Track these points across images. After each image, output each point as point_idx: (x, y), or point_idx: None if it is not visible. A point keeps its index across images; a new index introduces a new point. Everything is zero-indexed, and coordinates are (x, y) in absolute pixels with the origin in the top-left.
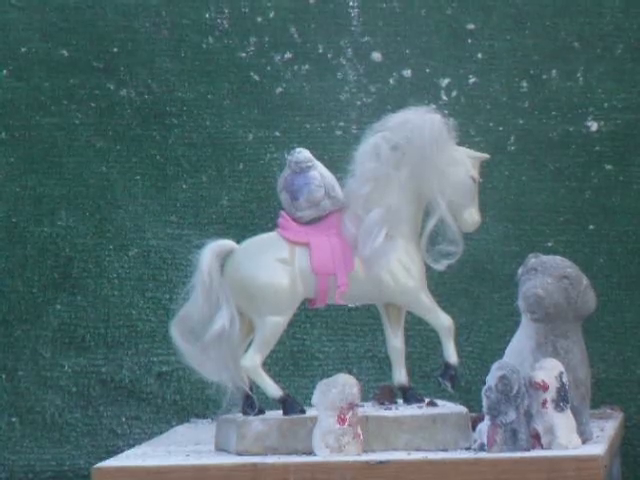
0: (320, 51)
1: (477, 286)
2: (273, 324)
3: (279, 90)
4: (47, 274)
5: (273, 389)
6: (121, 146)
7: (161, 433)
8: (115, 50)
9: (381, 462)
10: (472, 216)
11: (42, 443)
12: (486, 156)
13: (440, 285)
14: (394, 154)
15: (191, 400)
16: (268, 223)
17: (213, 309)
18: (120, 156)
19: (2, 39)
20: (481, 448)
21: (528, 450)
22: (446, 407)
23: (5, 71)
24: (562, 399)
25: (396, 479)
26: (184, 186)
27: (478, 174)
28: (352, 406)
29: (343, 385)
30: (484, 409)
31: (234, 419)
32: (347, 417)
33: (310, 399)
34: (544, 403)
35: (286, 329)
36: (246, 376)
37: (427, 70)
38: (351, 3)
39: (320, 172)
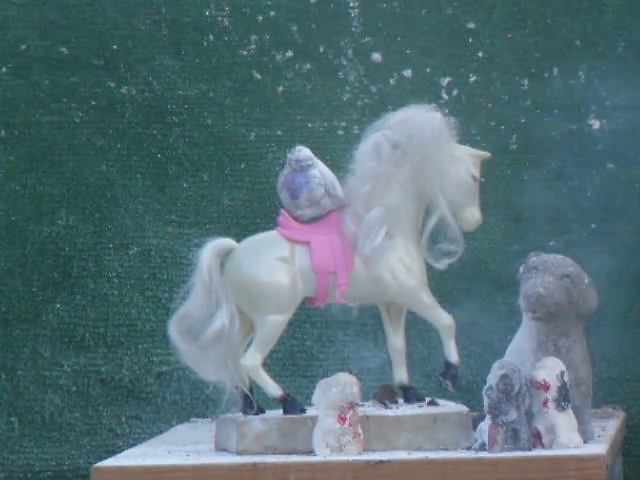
0: (321, 51)
1: (478, 285)
2: (273, 323)
3: (281, 89)
4: (47, 273)
5: (273, 388)
6: (121, 144)
7: (161, 433)
8: (115, 47)
9: (381, 462)
10: (473, 215)
11: (41, 443)
12: (487, 154)
13: (441, 284)
14: (395, 153)
15: (191, 400)
16: (270, 222)
17: (213, 308)
18: (120, 155)
19: (1, 36)
20: (482, 448)
21: (529, 450)
22: (447, 406)
23: (4, 69)
24: (563, 398)
25: (397, 479)
26: (185, 185)
27: (479, 173)
28: (352, 405)
29: (344, 384)
30: (485, 408)
31: (234, 418)
32: (347, 416)
33: (310, 399)
34: (545, 402)
35: (286, 329)
36: (246, 375)
37: (428, 70)
38: (351, 3)
39: (320, 170)
